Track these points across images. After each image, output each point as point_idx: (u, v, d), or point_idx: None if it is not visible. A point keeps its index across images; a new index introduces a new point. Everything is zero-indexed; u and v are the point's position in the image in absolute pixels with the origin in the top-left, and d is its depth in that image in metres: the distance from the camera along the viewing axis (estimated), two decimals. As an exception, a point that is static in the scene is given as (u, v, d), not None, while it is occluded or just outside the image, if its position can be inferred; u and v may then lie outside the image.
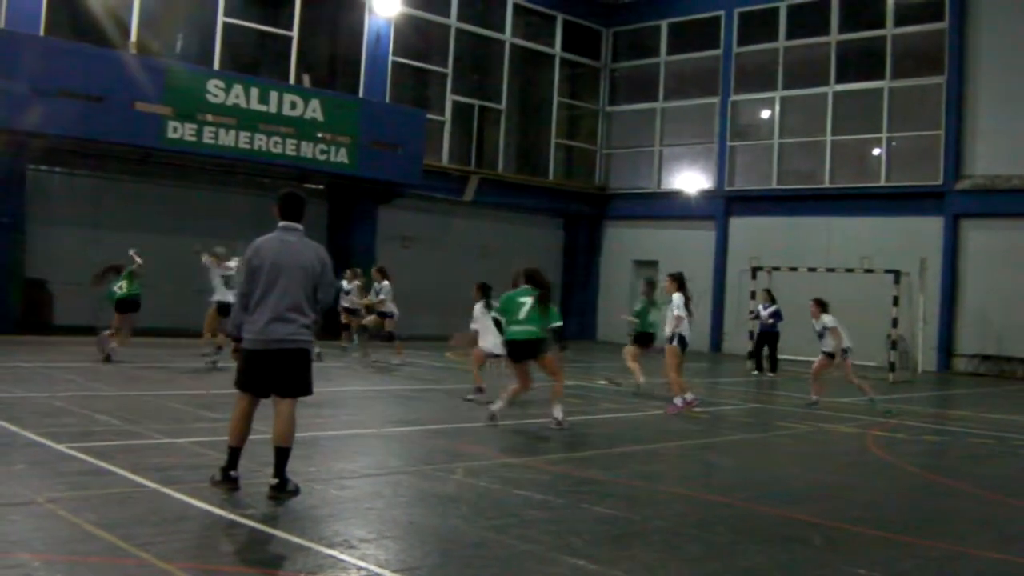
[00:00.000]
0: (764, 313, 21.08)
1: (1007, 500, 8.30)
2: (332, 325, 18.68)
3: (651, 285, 16.17)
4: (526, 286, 11.15)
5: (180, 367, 15.66)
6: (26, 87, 18.31)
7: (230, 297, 14.11)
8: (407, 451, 9.36)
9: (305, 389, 6.87)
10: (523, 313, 10.76)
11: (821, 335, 14.80)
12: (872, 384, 15.07)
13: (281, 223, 6.92)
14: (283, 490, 6.62)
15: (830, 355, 14.77)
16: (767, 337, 21.16)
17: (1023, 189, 23.02)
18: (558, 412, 10.85)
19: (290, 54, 23.53)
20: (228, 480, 6.74)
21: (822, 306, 14.93)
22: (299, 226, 6.93)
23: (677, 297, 13.60)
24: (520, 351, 10.87)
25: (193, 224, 22.79)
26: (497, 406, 10.90)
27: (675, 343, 13.37)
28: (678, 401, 13.11)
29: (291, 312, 6.71)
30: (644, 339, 15.66)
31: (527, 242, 29.71)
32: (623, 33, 31.13)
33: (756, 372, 20.99)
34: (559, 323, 11.50)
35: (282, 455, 6.68)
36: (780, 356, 22.54)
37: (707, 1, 28.85)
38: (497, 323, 11.07)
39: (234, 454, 6.77)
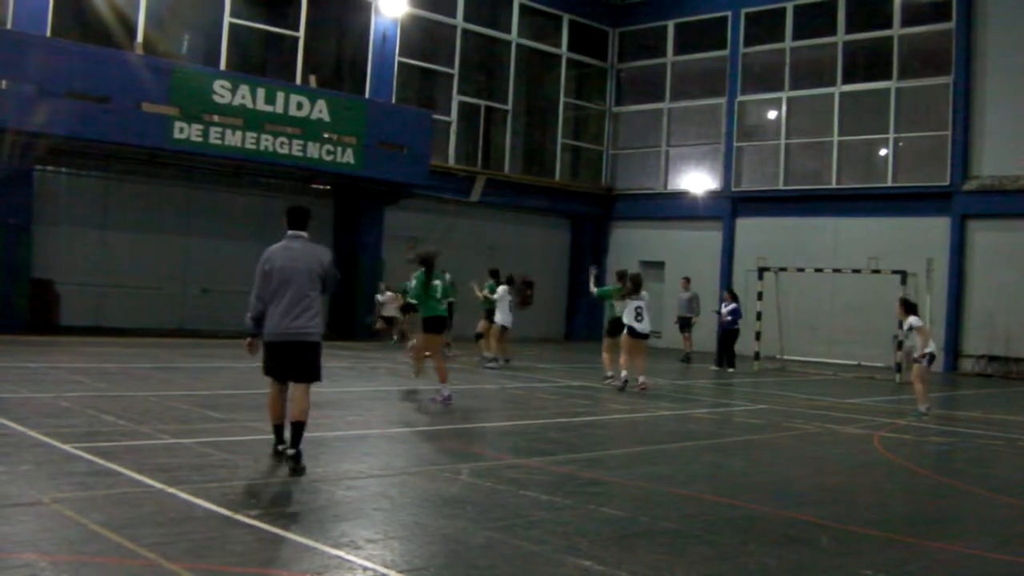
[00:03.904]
0: (724, 311, 21.21)
1: (1015, 502, 8.27)
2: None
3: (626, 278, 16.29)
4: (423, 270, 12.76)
5: (186, 367, 15.68)
6: (33, 87, 18.36)
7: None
8: (413, 452, 9.35)
9: (316, 375, 7.97)
10: (439, 293, 12.70)
11: (908, 337, 14.50)
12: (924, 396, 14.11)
13: (289, 232, 8.10)
14: (298, 461, 7.60)
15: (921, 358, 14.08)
16: (727, 335, 21.35)
17: (1031, 190, 23.00)
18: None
19: (296, 54, 23.57)
20: (277, 454, 7.97)
21: (908, 307, 14.39)
22: (304, 233, 8.11)
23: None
24: (441, 326, 13.01)
25: (200, 225, 22.86)
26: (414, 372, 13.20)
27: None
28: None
29: (302, 309, 7.83)
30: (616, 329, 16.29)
31: (533, 242, 29.75)
32: (630, 33, 31.12)
33: (715, 368, 21.12)
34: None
35: (298, 428, 7.71)
36: (786, 357, 22.54)
37: (714, 1, 28.82)
38: (411, 306, 13.14)
39: (277, 431, 8.06)
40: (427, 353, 13.21)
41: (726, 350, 21.44)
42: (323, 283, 7.99)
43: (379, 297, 23.79)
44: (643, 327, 15.62)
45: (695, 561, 5.75)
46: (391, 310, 23.17)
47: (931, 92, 24.88)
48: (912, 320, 14.08)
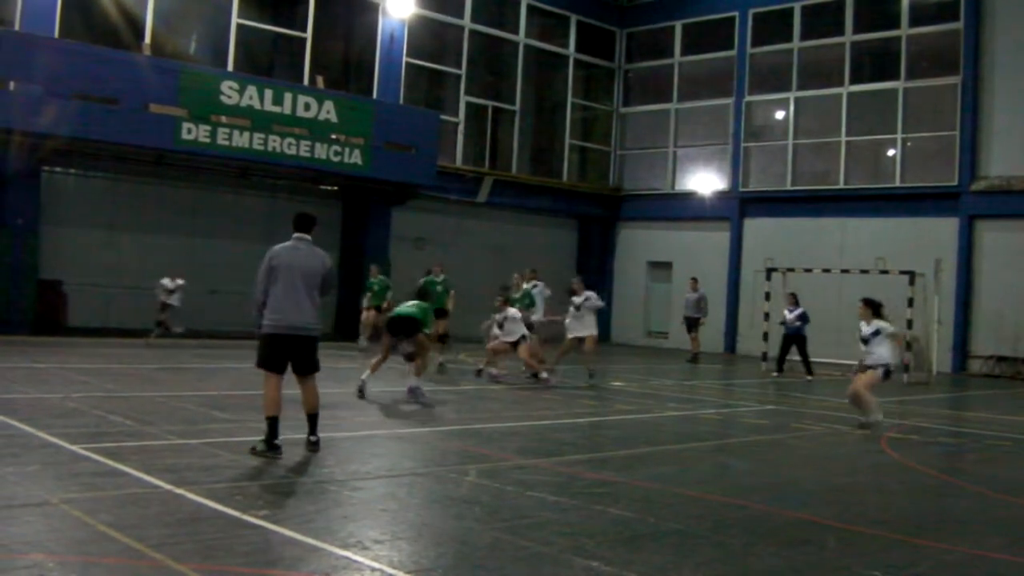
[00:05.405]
0: (790, 316, 20.91)
1: (1023, 502, 8.26)
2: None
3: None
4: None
5: (193, 368, 15.70)
6: (40, 88, 18.41)
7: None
8: (421, 453, 9.35)
9: (315, 367, 8.56)
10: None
11: (867, 341, 12.28)
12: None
13: (295, 234, 8.63)
14: (318, 445, 8.46)
15: (876, 367, 12.17)
16: (794, 340, 20.97)
17: (1039, 190, 22.93)
18: (415, 382, 12.71)
19: (304, 55, 23.58)
20: (273, 448, 8.11)
21: (875, 308, 12.43)
22: (308, 237, 8.65)
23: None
24: (398, 327, 12.91)
25: (207, 225, 22.88)
26: (366, 375, 12.96)
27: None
28: None
29: (303, 305, 8.35)
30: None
31: (541, 243, 29.71)
32: (637, 34, 31.10)
33: (776, 374, 20.86)
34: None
35: (313, 419, 8.52)
36: (793, 358, 22.45)
37: (721, 2, 28.79)
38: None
39: (272, 424, 8.17)
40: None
41: (800, 356, 20.90)
42: (323, 284, 8.52)
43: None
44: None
45: (702, 562, 5.74)
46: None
47: (939, 92, 24.83)
48: (882, 324, 12.25)
